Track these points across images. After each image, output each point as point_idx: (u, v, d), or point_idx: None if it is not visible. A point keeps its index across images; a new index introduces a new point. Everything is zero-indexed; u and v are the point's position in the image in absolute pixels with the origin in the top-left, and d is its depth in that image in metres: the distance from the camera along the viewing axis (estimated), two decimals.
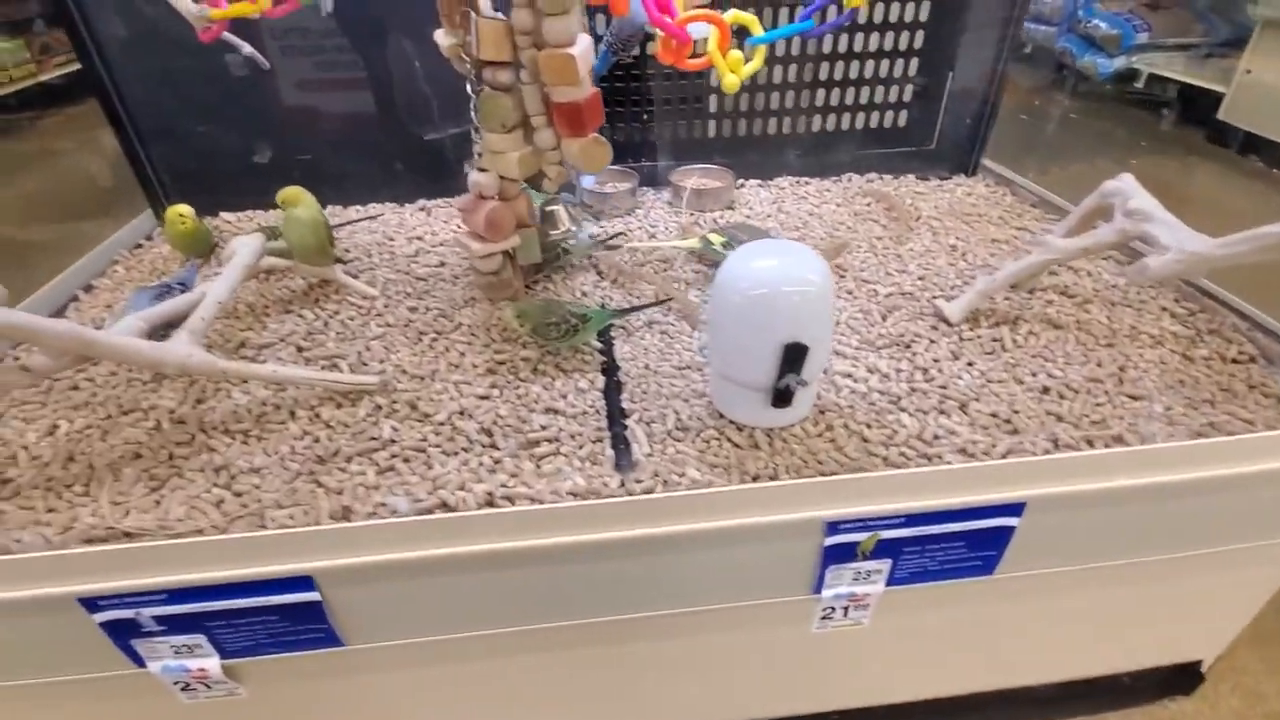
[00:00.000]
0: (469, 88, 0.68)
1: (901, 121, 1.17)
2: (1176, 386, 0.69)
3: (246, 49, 0.86)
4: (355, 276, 0.91)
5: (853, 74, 1.11)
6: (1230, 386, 0.69)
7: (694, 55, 0.75)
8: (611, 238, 0.94)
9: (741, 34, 0.73)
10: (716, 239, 0.84)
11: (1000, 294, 0.79)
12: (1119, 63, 3.23)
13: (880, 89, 1.13)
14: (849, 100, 1.14)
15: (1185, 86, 3.00)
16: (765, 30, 0.81)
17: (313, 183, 1.11)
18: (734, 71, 0.79)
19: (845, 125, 1.16)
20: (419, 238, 1.03)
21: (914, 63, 1.11)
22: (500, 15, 0.64)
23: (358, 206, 1.13)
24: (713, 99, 1.13)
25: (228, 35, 0.78)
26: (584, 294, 0.86)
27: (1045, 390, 0.68)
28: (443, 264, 0.95)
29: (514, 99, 0.68)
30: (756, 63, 0.80)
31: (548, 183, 0.74)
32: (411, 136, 1.10)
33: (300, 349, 0.78)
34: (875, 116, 1.16)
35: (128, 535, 0.55)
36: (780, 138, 1.17)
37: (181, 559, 0.52)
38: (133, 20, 0.97)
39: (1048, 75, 3.50)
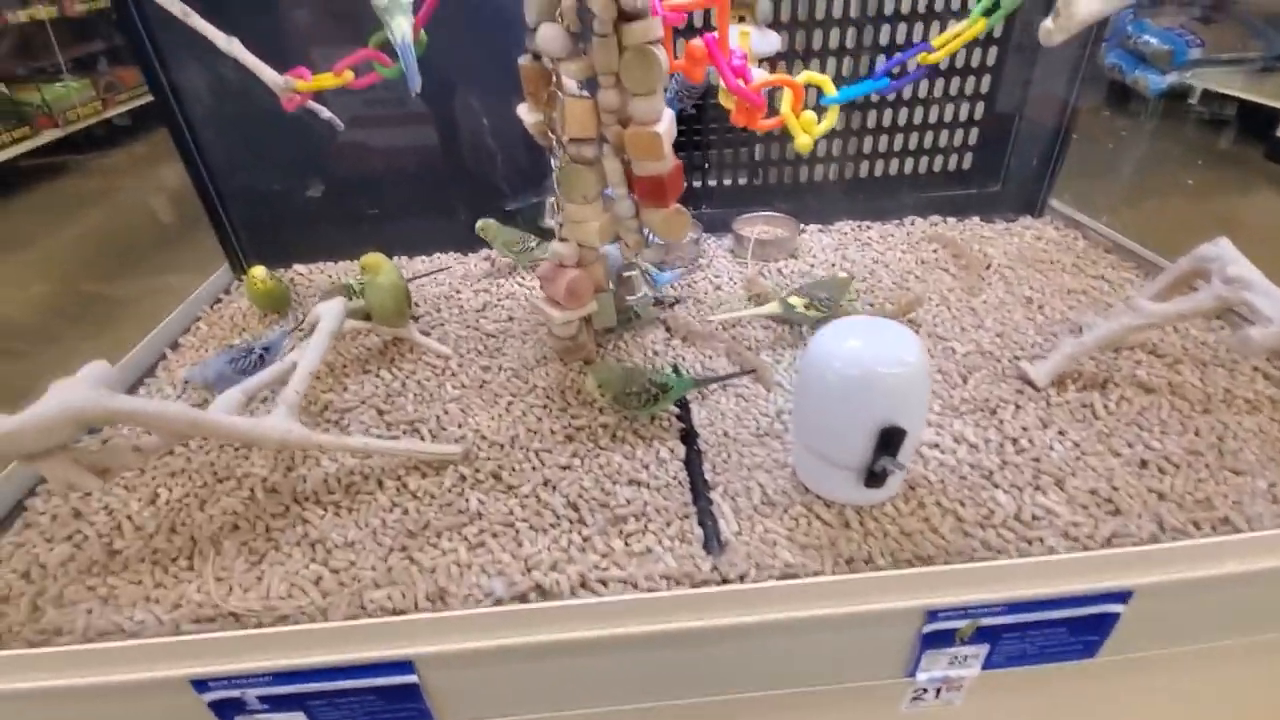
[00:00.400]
0: (551, 160, 0.69)
1: (966, 164, 1.15)
2: (1279, 458, 0.66)
3: (325, 113, 0.89)
4: (428, 333, 0.93)
5: (916, 119, 1.10)
6: None
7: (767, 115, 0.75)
8: (674, 303, 0.94)
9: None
10: (798, 301, 0.84)
11: (1088, 358, 0.76)
12: (1171, 79, 3.14)
13: (945, 133, 1.12)
14: (912, 145, 1.12)
15: (1242, 102, 2.91)
16: (838, 90, 0.81)
17: (380, 234, 1.15)
18: (807, 131, 0.79)
19: (908, 169, 1.15)
20: (485, 290, 1.04)
21: (980, 106, 1.10)
22: (586, 93, 0.65)
23: (423, 257, 1.16)
24: (774, 145, 1.13)
25: (308, 102, 0.81)
26: (655, 352, 0.86)
27: (1144, 464, 0.66)
28: (511, 319, 0.96)
29: (596, 171, 0.69)
30: (829, 122, 0.80)
31: (625, 249, 0.75)
32: (475, 188, 1.12)
33: (381, 412, 0.79)
34: (939, 160, 1.14)
35: (234, 617, 0.57)
36: (841, 183, 1.16)
37: (286, 644, 0.53)
38: (216, 85, 1.01)
39: (1097, 91, 3.43)
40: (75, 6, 3.65)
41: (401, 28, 0.73)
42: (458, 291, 1.04)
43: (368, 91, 1.04)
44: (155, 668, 0.53)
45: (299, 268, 1.15)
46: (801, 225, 1.15)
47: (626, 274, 0.78)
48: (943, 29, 1.01)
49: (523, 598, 0.57)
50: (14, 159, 3.10)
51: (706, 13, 0.99)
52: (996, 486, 0.64)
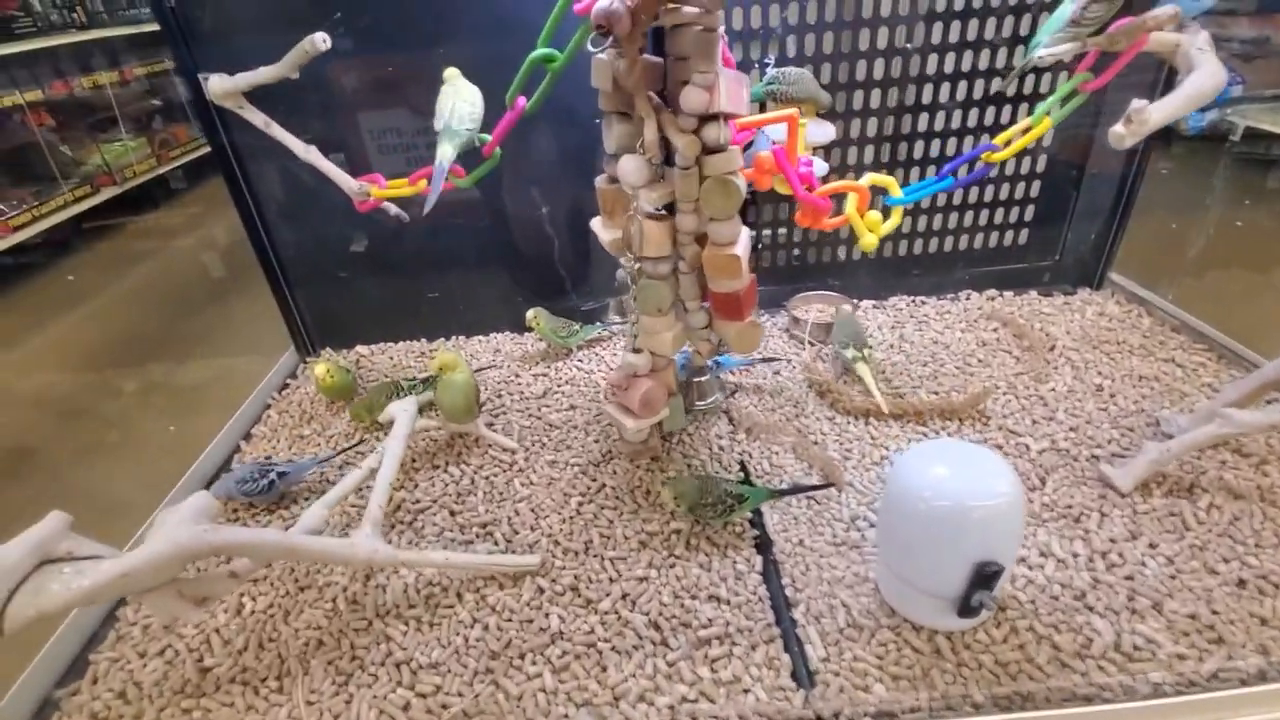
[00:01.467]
0: (627, 277, 0.71)
1: (1022, 239, 1.15)
2: None
3: (393, 210, 0.92)
4: (493, 423, 0.94)
5: (972, 198, 1.10)
6: None
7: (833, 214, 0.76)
8: (734, 391, 0.95)
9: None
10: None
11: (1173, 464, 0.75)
12: (1211, 116, 3.10)
13: (1000, 210, 1.11)
14: (967, 222, 1.12)
15: None
16: (904, 190, 0.82)
17: (439, 316, 1.17)
18: (872, 231, 0.80)
19: (963, 245, 1.15)
20: (545, 374, 1.06)
21: (1035, 184, 1.09)
22: (664, 212, 0.67)
23: (480, 337, 1.18)
24: None
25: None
26: (720, 448, 0.86)
27: (1242, 583, 0.64)
28: (573, 407, 0.97)
29: (670, 286, 0.70)
30: (894, 222, 0.81)
31: (697, 357, 0.76)
32: (533, 273, 1.15)
33: (453, 512, 0.80)
34: (994, 235, 1.14)
35: None
36: (894, 258, 1.16)
37: None
38: (289, 181, 1.05)
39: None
40: (134, 71, 3.85)
41: (445, 153, 0.76)
42: (517, 375, 1.06)
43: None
44: None
45: (361, 349, 1.18)
46: (855, 301, 1.15)
47: (698, 379, 0.79)
48: (983, 119, 1.03)
49: None
50: (76, 217, 3.25)
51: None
52: (1091, 609, 0.62)
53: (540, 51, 0.68)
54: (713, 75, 0.57)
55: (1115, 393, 0.90)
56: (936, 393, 0.93)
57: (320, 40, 0.73)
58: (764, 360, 0.97)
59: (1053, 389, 0.91)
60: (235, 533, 0.58)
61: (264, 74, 0.81)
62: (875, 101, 1.02)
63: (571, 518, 0.78)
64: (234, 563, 0.61)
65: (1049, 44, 0.75)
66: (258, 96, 0.81)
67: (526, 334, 1.17)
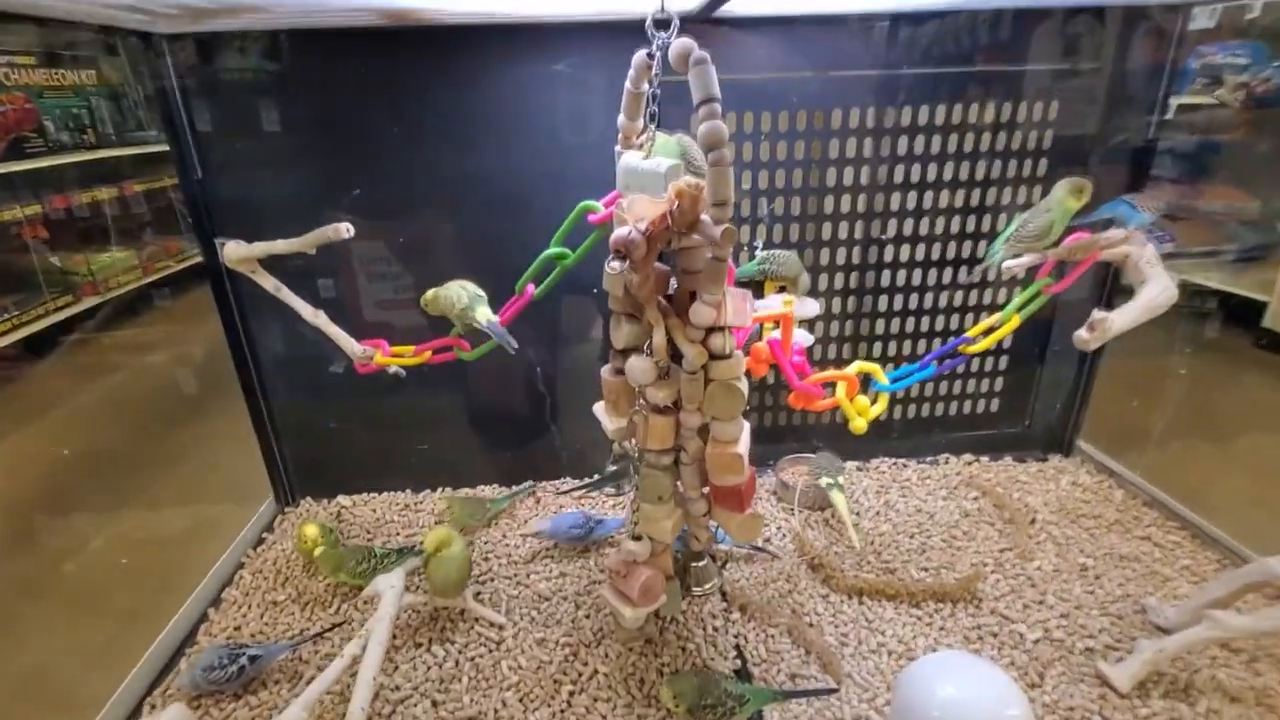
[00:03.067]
0: (630, 467, 0.72)
1: (994, 406, 1.20)
2: None
3: (392, 369, 0.93)
4: (479, 593, 0.91)
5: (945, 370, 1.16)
6: None
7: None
8: (724, 564, 0.94)
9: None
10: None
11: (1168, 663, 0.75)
12: None
13: (972, 380, 1.18)
14: (942, 391, 1.18)
15: (1224, 294, 3.10)
16: (887, 378, 0.87)
17: (428, 467, 1.16)
18: (861, 415, 0.84)
19: (939, 412, 1.20)
20: (535, 533, 1.04)
21: (1004, 358, 1.17)
22: (669, 408, 0.69)
23: (467, 489, 1.17)
24: None
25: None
26: (714, 629, 0.85)
27: None
28: (563, 575, 0.95)
29: (671, 476, 0.71)
30: (880, 406, 0.85)
31: (695, 543, 0.76)
32: (523, 429, 1.16)
33: (435, 703, 0.76)
34: (968, 403, 1.20)
35: None
36: (875, 422, 1.20)
37: None
38: (288, 336, 1.07)
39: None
40: (133, 188, 3.97)
41: (486, 315, 0.80)
42: (504, 536, 1.04)
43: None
44: None
45: (343, 499, 1.15)
46: (841, 464, 1.17)
47: (696, 564, 0.79)
48: (952, 296, 1.11)
49: None
50: (51, 327, 3.22)
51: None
52: None
53: (554, 250, 0.73)
54: (720, 295, 0.61)
55: (1100, 574, 0.91)
56: (926, 569, 0.93)
57: (345, 229, 0.77)
58: (757, 549, 0.97)
59: (1039, 568, 0.93)
60: None
61: (280, 246, 0.85)
62: (854, 282, 1.10)
63: (563, 710, 0.74)
64: None
65: (1005, 254, 0.83)
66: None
67: (511, 485, 1.16)
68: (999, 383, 1.19)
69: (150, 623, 0.89)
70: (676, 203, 0.57)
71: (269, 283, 0.88)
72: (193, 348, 2.95)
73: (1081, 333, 0.78)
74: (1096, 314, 0.77)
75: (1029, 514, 1.04)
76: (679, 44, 0.56)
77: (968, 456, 1.21)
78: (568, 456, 1.18)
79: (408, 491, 1.17)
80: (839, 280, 1.10)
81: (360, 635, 0.74)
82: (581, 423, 1.16)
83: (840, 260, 1.09)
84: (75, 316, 3.38)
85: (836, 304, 1.12)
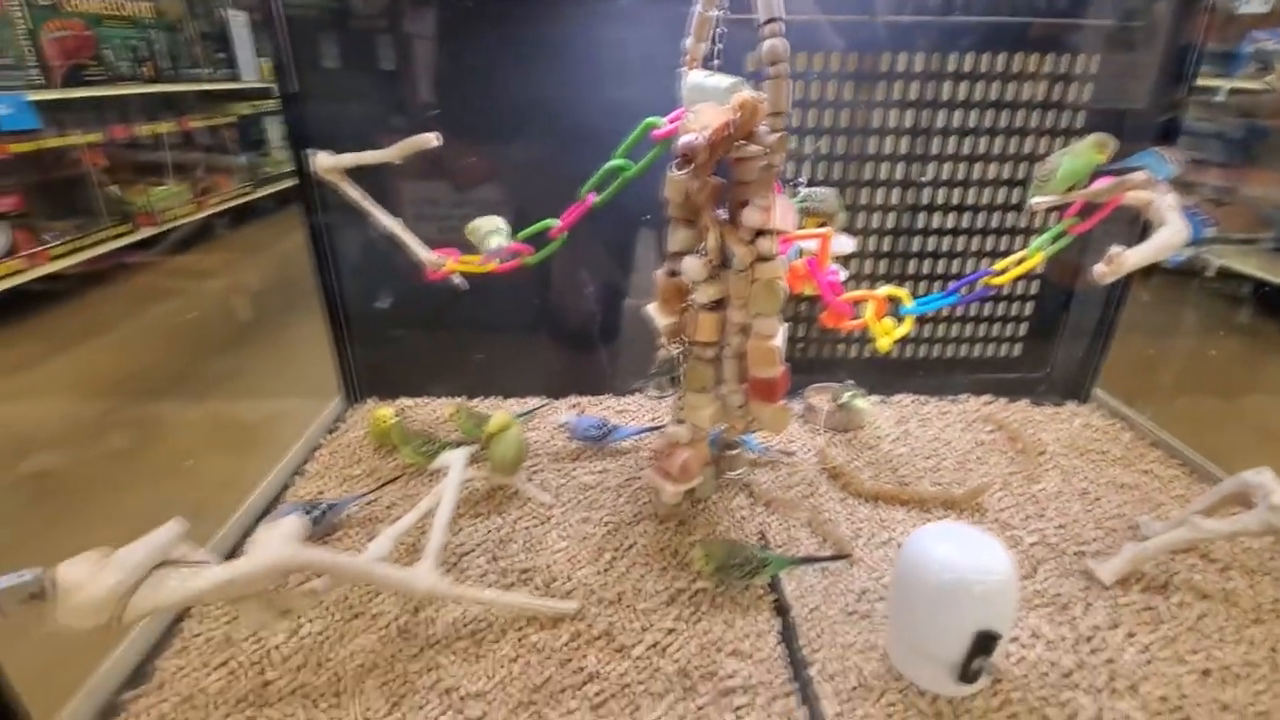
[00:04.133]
0: (678, 355, 0.81)
1: (1016, 351, 1.27)
2: None
3: (456, 278, 1.03)
4: (529, 480, 1.02)
5: (972, 311, 1.23)
6: None
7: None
8: (750, 471, 1.04)
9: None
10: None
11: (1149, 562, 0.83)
12: (1188, 253, 3.35)
13: (997, 325, 1.24)
14: (967, 333, 1.25)
15: (1258, 280, 3.08)
16: (914, 302, 0.94)
17: (481, 377, 1.27)
18: (887, 335, 0.92)
19: (963, 353, 1.27)
20: (561, 424, 1.14)
21: (1029, 305, 1.23)
22: (716, 306, 0.78)
23: (516, 399, 1.27)
24: None
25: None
26: (741, 517, 0.94)
27: (1206, 673, 0.71)
28: (604, 470, 1.06)
29: (714, 369, 0.80)
30: (905, 328, 0.93)
31: (730, 432, 0.85)
32: (570, 343, 1.26)
33: (495, 558, 0.87)
34: (991, 347, 1.26)
35: None
36: (901, 361, 1.28)
37: None
38: (363, 247, 1.17)
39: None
40: (190, 123, 4.11)
41: (499, 241, 0.89)
42: (552, 438, 1.15)
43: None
44: None
45: (404, 400, 1.27)
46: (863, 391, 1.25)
47: (730, 452, 0.88)
48: (984, 245, 1.17)
49: None
50: (114, 253, 3.39)
51: None
52: (1076, 687, 0.69)
53: (617, 161, 0.82)
54: (769, 200, 0.69)
55: (1099, 497, 0.99)
56: (938, 484, 1.02)
57: (433, 138, 0.86)
58: (781, 451, 1.06)
59: (1043, 489, 1.01)
60: (322, 554, 0.65)
61: (369, 156, 0.94)
62: (890, 223, 1.16)
63: (605, 570, 0.85)
64: (314, 581, 0.68)
65: (1034, 195, 0.89)
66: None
67: (559, 400, 1.26)
68: (1023, 328, 1.25)
69: (240, 490, 1.02)
70: (739, 112, 0.65)
71: (353, 192, 0.97)
72: (248, 277, 3.10)
73: (1099, 266, 0.84)
74: (1113, 249, 0.83)
75: (1040, 447, 1.12)
76: None
77: (987, 397, 1.28)
78: (611, 374, 1.27)
79: (463, 397, 1.28)
80: (876, 219, 1.17)
81: (433, 493, 0.85)
82: (624, 344, 1.26)
83: (879, 200, 1.15)
84: (131, 245, 3.55)
85: (872, 242, 1.18)
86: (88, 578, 0.54)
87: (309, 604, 0.67)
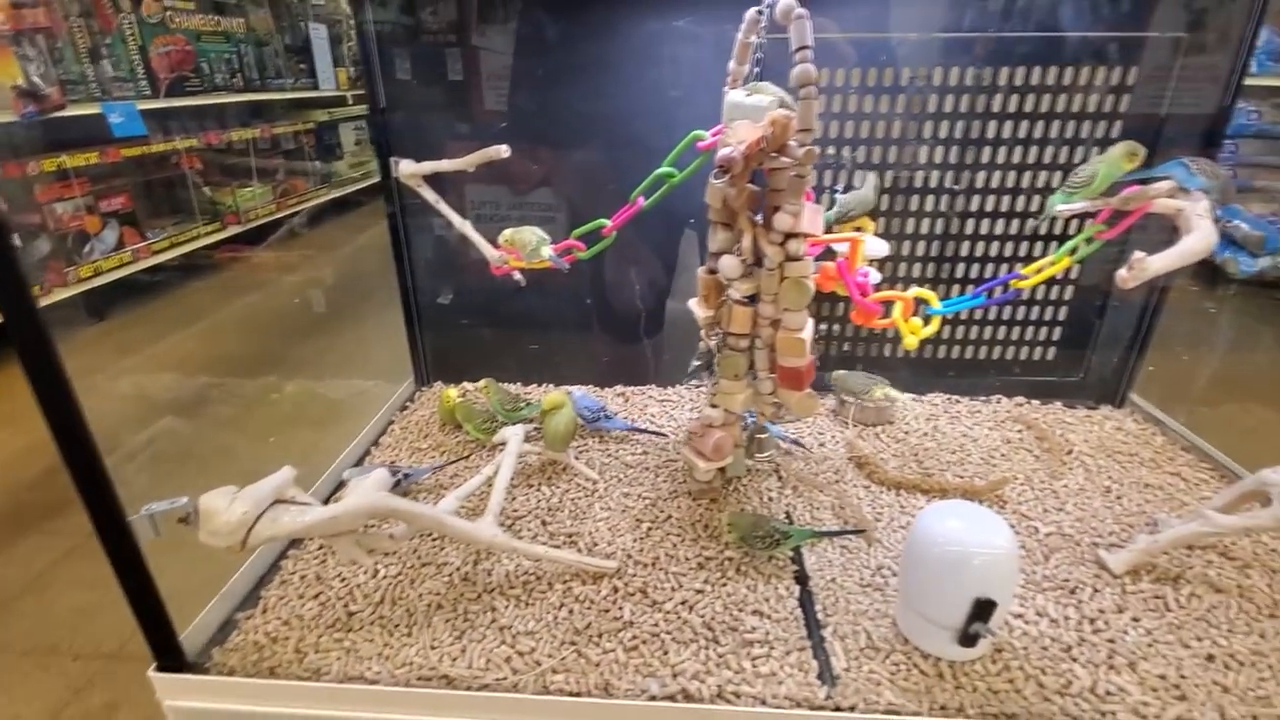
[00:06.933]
0: (714, 345, 0.90)
1: (1050, 355, 1.30)
2: None
3: (516, 275, 1.14)
4: (578, 457, 1.13)
5: (1005, 314, 1.27)
6: None
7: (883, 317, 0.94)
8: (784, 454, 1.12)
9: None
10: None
11: (1161, 554, 0.87)
12: (1263, 263, 3.21)
13: (1030, 328, 1.28)
14: (1000, 336, 1.29)
15: None
16: (942, 304, 1.00)
17: (535, 365, 1.38)
18: (914, 334, 0.98)
19: (996, 355, 1.31)
20: (635, 432, 1.23)
21: (1062, 310, 1.26)
22: (749, 300, 0.86)
23: (567, 387, 1.38)
24: None
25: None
26: (770, 498, 1.02)
27: (1210, 658, 0.75)
28: (645, 452, 1.15)
29: (746, 358, 0.89)
30: (933, 329, 0.98)
31: (760, 417, 0.93)
32: (619, 338, 1.36)
33: (545, 523, 0.98)
34: (1025, 350, 1.30)
35: (447, 679, 0.73)
36: (934, 360, 1.32)
37: (491, 708, 0.69)
38: (435, 244, 1.31)
39: (1184, 267, 3.50)
40: (272, 130, 4.43)
41: (548, 252, 0.98)
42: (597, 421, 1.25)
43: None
44: (391, 711, 0.70)
45: (467, 384, 1.39)
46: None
47: (759, 435, 0.96)
48: (1017, 250, 1.21)
49: (671, 698, 0.71)
50: (206, 248, 3.71)
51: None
52: (1074, 660, 0.74)
53: (664, 170, 0.91)
54: (799, 206, 0.77)
55: (1122, 495, 1.02)
56: (962, 477, 1.07)
57: (503, 150, 0.97)
58: (794, 442, 1.13)
59: (1065, 485, 1.05)
60: (404, 502, 0.77)
61: (445, 164, 1.06)
62: (925, 229, 1.22)
63: (642, 538, 0.94)
64: (394, 527, 0.80)
65: (1062, 201, 0.94)
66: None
67: (606, 389, 1.36)
68: (1057, 332, 1.28)
69: (326, 455, 1.15)
70: (771, 128, 0.74)
71: (430, 195, 1.09)
72: (323, 272, 3.35)
73: (1122, 272, 0.89)
74: (1136, 255, 0.87)
75: (1067, 446, 1.15)
76: (784, 2, 0.72)
77: (1019, 399, 1.31)
78: (655, 367, 1.37)
79: (519, 384, 1.39)
80: (911, 225, 1.22)
81: (494, 462, 0.96)
82: (668, 340, 1.35)
83: (914, 206, 1.21)
84: (219, 241, 3.86)
85: (906, 247, 1.24)
86: (224, 507, 0.67)
87: (390, 545, 0.79)
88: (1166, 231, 1.12)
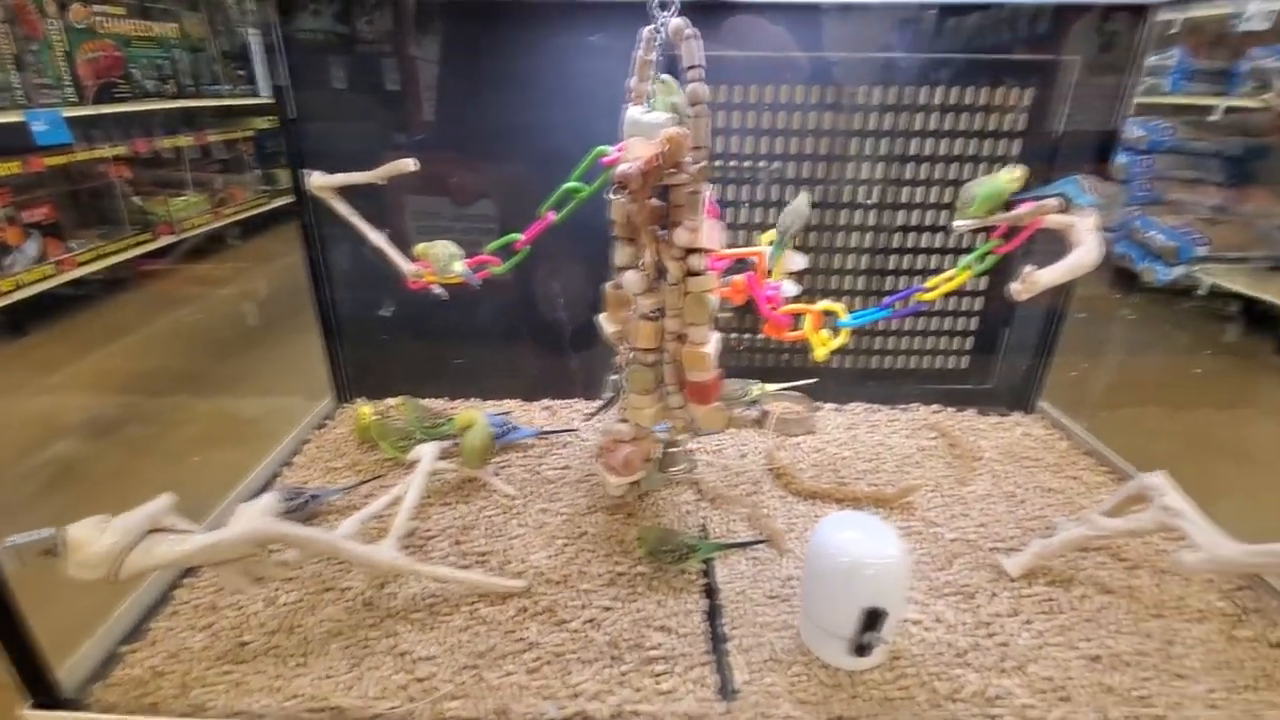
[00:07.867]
0: (622, 361, 0.90)
1: (963, 364, 1.34)
2: (1220, 668, 0.77)
3: (435, 289, 1.12)
4: (497, 473, 1.11)
5: (919, 325, 1.31)
6: (1272, 673, 0.76)
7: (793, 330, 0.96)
8: (694, 467, 1.12)
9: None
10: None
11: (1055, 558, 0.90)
12: (1177, 272, 3.38)
13: (944, 338, 1.32)
14: (916, 345, 1.32)
15: (1249, 299, 3.11)
16: (850, 316, 1.02)
17: (461, 379, 1.36)
18: (824, 345, 1.00)
19: (912, 364, 1.34)
20: (544, 436, 1.23)
21: (973, 320, 1.30)
22: (655, 315, 0.86)
23: (493, 401, 1.36)
24: None
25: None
26: (686, 511, 1.02)
27: (1096, 659, 0.78)
28: (566, 466, 1.14)
29: (655, 372, 0.89)
30: (841, 340, 1.00)
31: (672, 431, 0.94)
32: (543, 351, 1.35)
33: (457, 542, 0.96)
34: (939, 359, 1.34)
35: (338, 710, 0.71)
36: (854, 370, 1.35)
37: None
38: (352, 258, 1.28)
39: (1106, 276, 3.67)
40: (208, 137, 4.28)
41: (460, 267, 0.99)
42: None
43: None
44: None
45: (390, 400, 1.36)
46: (818, 404, 1.33)
47: (671, 450, 0.96)
48: (929, 260, 1.25)
49: None
50: (133, 260, 3.55)
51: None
52: (968, 665, 0.76)
53: (571, 184, 0.91)
54: (697, 221, 0.78)
55: (1024, 500, 1.06)
56: (874, 485, 1.09)
57: (410, 164, 0.96)
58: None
59: (972, 491, 1.08)
60: (293, 527, 0.74)
61: (357, 177, 1.04)
62: (853, 241, 1.25)
63: (555, 555, 0.93)
64: (286, 553, 0.77)
65: (958, 219, 0.97)
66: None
67: (532, 403, 1.35)
68: (970, 342, 1.33)
69: (236, 474, 1.11)
70: (666, 145, 0.74)
71: (343, 208, 1.07)
72: (260, 283, 3.24)
73: (1014, 285, 0.92)
74: (1026, 269, 0.91)
75: (977, 453, 1.19)
76: (674, 22, 0.73)
77: (936, 406, 1.35)
78: (579, 380, 1.36)
79: (444, 399, 1.37)
80: (840, 239, 1.25)
81: (403, 482, 0.94)
82: (592, 351, 1.35)
83: (830, 220, 1.24)
84: (151, 253, 3.71)
85: (837, 260, 1.27)
86: (93, 538, 0.63)
87: (281, 573, 0.76)
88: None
